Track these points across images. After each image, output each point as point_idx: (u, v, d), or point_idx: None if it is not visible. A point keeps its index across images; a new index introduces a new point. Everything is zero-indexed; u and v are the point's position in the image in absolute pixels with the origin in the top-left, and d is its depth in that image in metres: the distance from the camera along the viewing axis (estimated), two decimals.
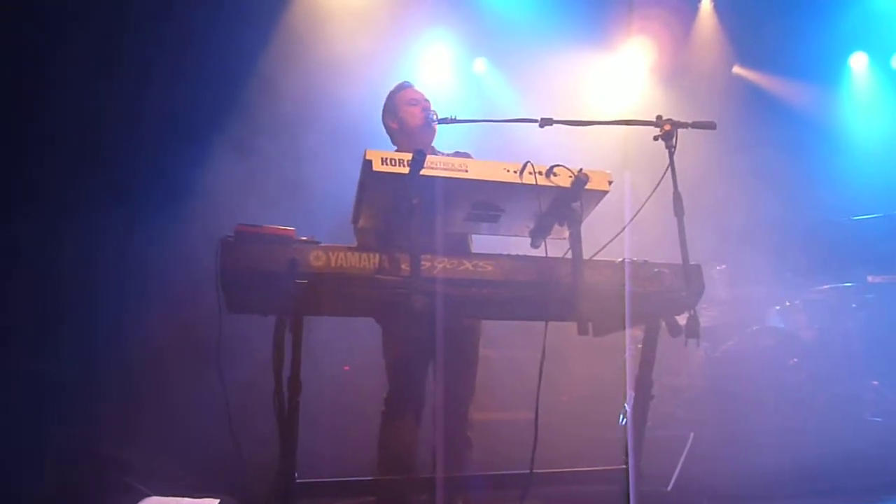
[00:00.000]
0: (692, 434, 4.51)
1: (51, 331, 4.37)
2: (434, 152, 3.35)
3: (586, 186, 2.43)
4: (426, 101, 3.38)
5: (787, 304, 5.92)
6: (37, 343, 4.27)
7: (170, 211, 4.78)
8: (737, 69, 7.52)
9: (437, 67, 6.57)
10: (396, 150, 3.34)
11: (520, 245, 2.67)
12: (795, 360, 5.30)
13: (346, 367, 5.24)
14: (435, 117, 3.20)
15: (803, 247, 6.04)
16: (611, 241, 2.56)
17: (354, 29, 6.10)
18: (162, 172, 4.95)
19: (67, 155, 4.72)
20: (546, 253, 2.48)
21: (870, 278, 5.64)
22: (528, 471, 2.55)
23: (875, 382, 5.35)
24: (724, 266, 5.85)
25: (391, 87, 3.46)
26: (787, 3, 6.75)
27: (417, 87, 3.46)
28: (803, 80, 7.25)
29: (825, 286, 5.80)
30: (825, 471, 4.32)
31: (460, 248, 3.21)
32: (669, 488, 4.09)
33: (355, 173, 2.40)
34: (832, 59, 7.38)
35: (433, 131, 3.33)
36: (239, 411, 2.48)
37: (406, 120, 3.35)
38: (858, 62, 7.48)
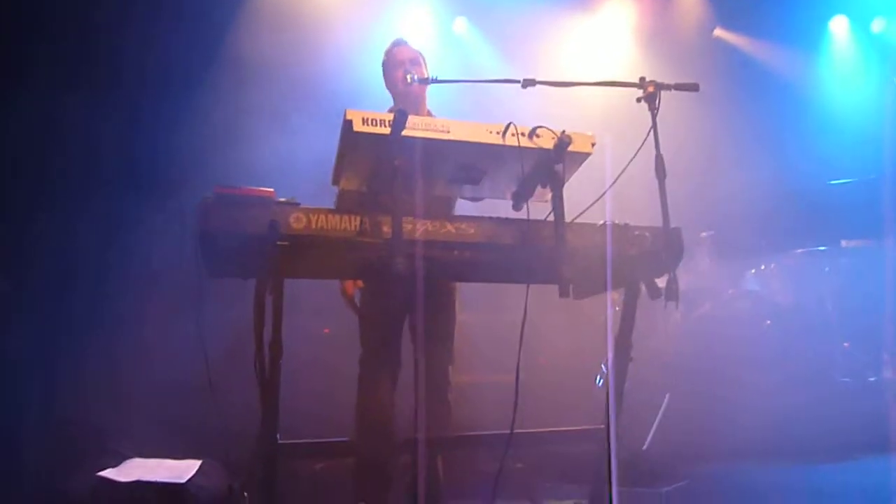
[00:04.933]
0: (668, 395, 4.60)
1: (29, 300, 4.30)
2: (430, 116, 3.32)
3: (569, 148, 2.42)
4: (412, 61, 3.33)
5: (763, 267, 5.99)
6: (16, 312, 4.20)
7: (147, 179, 4.69)
8: (718, 32, 7.47)
9: (417, 27, 6.44)
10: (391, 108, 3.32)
11: (502, 207, 2.66)
12: (770, 322, 5.39)
13: (326, 330, 5.24)
14: (416, 77, 3.14)
15: (779, 210, 6.10)
16: (592, 203, 2.56)
17: None
18: (138, 144, 4.85)
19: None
20: (528, 215, 2.47)
21: (843, 243, 5.72)
22: (507, 431, 2.57)
23: (846, 344, 5.46)
24: (709, 233, 5.88)
25: (374, 45, 3.42)
26: None
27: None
28: (783, 44, 7.23)
29: (799, 250, 5.87)
30: (797, 430, 4.44)
31: (445, 212, 3.20)
32: (646, 447, 4.19)
33: (335, 134, 2.36)
34: (813, 23, 7.36)
35: (416, 93, 3.28)
36: (220, 374, 2.47)
37: (395, 81, 3.33)
38: (839, 25, 7.48)
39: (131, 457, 3.46)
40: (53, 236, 4.49)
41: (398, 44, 3.42)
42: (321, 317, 5.00)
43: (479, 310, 4.97)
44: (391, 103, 3.41)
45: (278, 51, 5.49)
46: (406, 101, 3.23)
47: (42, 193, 4.59)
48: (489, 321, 5.09)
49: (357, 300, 3.32)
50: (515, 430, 2.57)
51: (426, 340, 3.24)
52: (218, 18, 5.48)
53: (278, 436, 2.41)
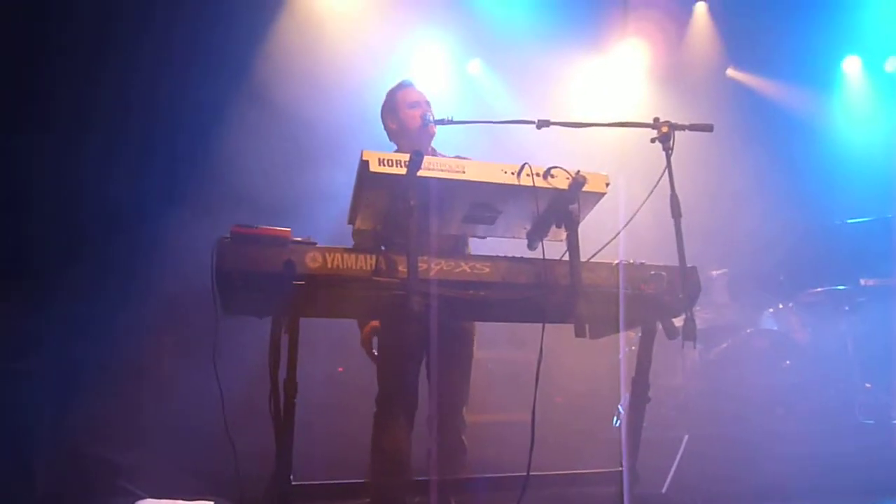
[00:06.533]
0: (687, 436, 4.52)
1: (42, 331, 4.33)
2: (434, 154, 3.34)
3: (584, 188, 2.43)
4: (427, 103, 3.35)
5: (781, 306, 5.93)
6: (28, 344, 4.23)
7: (164, 215, 4.74)
8: (731, 72, 7.53)
9: (432, 68, 6.55)
10: (395, 151, 3.33)
11: (516, 247, 2.66)
12: (789, 361, 5.31)
13: (341, 369, 5.23)
14: (431, 118, 3.18)
15: (797, 250, 6.06)
16: (608, 242, 2.56)
17: (347, 30, 6.10)
18: (157, 178, 4.91)
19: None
20: (543, 255, 2.47)
21: (862, 281, 5.66)
22: (523, 473, 2.53)
23: (867, 385, 5.37)
24: (724, 270, 5.86)
25: (389, 86, 3.44)
26: (781, 5, 6.77)
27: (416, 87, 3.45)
28: (797, 84, 7.27)
29: (818, 289, 5.82)
30: (819, 472, 4.33)
31: (459, 250, 3.20)
32: (664, 490, 4.11)
33: (352, 174, 2.39)
34: (826, 63, 7.41)
35: (431, 134, 3.31)
36: (234, 413, 2.46)
37: (406, 122, 3.31)
38: (852, 66, 7.51)
39: (143, 496, 3.44)
40: (70, 272, 4.54)
41: (407, 85, 3.40)
42: (335, 355, 5.00)
43: (495, 348, 4.96)
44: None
45: (296, 90, 5.58)
46: (414, 141, 3.23)
47: (56, 223, 4.64)
48: (504, 359, 5.07)
49: (374, 344, 3.30)
50: (532, 472, 2.53)
51: (443, 380, 3.22)
52: (238, 57, 5.59)
53: (292, 476, 2.40)
